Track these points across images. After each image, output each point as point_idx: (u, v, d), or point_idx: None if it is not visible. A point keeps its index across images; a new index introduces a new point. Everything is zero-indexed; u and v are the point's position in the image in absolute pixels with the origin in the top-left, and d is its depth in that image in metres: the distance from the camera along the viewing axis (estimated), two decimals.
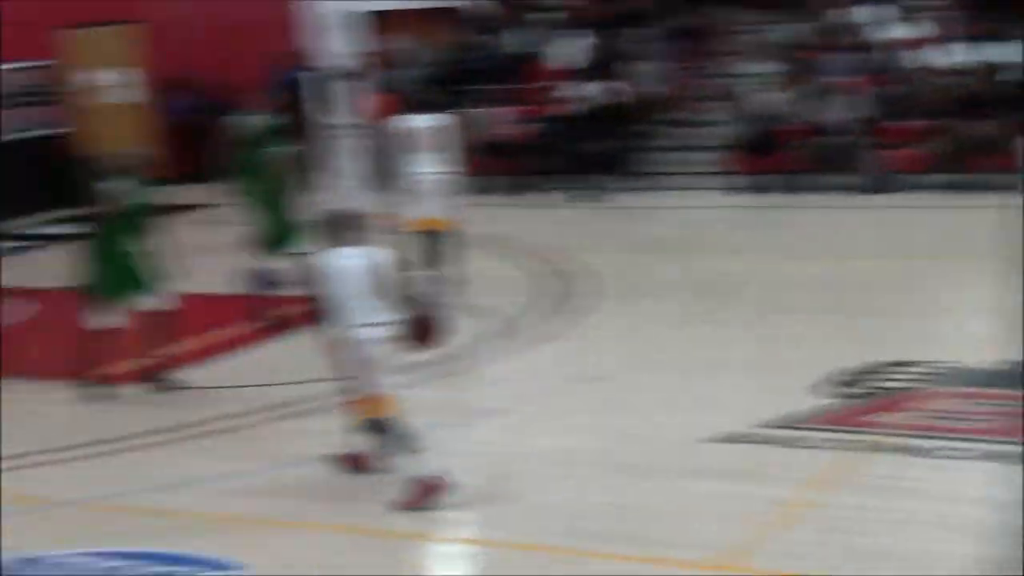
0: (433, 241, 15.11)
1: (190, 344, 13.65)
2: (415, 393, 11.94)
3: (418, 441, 9.49)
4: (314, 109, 15.58)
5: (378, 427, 9.63)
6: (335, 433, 10.13)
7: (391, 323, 9.58)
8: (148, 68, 23.82)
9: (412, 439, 9.50)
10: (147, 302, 12.34)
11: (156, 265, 12.34)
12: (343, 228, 9.72)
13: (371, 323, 9.51)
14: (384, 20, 26.17)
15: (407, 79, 23.31)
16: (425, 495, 9.38)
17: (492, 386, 12.47)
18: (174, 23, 23.85)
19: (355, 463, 10.08)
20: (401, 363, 9.48)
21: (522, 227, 19.13)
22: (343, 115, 15.62)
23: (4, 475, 10.45)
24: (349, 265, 9.54)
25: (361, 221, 9.84)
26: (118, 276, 12.13)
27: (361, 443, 9.99)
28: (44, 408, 12.18)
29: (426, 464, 9.42)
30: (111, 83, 23.36)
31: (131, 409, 12.04)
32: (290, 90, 23.25)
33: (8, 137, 21.34)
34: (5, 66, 21.23)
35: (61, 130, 22.12)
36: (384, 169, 15.27)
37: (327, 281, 9.54)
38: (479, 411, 11.57)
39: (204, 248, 16.66)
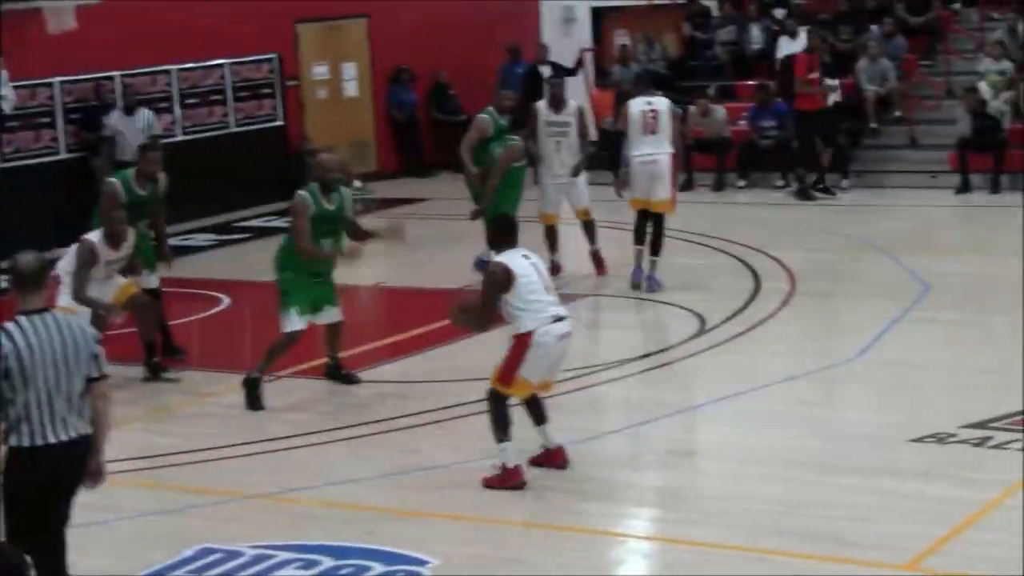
0: (648, 222, 15.27)
1: (396, 338, 13.74)
2: (618, 389, 12.02)
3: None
4: (540, 104, 15.55)
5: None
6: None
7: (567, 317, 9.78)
8: (373, 62, 24.02)
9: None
10: (329, 314, 12.17)
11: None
12: (511, 231, 9.98)
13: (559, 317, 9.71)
14: (610, 16, 26.08)
15: (630, 75, 23.13)
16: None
17: (690, 382, 12.33)
18: (398, 17, 24.01)
19: (548, 459, 10.03)
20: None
21: (740, 222, 18.86)
22: (565, 110, 15.53)
23: (202, 466, 10.58)
24: (530, 264, 9.75)
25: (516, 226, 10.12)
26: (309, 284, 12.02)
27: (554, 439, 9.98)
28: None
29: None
30: (336, 77, 23.59)
31: (312, 403, 12.06)
32: (521, 85, 23.35)
33: (234, 129, 21.69)
34: (230, 60, 21.57)
35: (285, 123, 22.39)
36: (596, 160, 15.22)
37: (513, 279, 9.63)
38: (675, 406, 11.39)
39: (416, 243, 16.80)
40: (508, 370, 9.68)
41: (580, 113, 15.65)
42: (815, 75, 20.29)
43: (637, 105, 15.31)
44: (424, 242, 18.24)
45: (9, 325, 7.32)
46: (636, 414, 11.48)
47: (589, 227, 15.88)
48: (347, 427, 11.23)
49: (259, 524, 9.35)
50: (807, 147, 20.51)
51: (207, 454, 10.77)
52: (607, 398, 11.98)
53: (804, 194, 20.33)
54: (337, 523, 9.28)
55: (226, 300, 15.92)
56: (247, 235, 19.83)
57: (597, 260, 15.90)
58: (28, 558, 5.91)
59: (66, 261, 12.33)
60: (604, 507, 9.45)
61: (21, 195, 18.60)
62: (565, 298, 10.92)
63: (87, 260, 12.12)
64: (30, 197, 18.68)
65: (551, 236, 15.77)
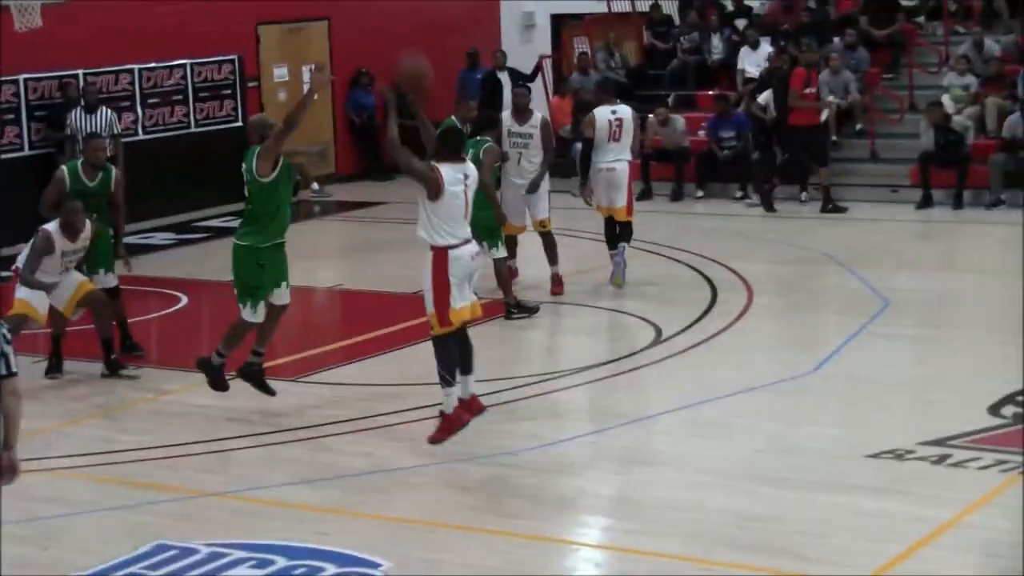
0: (614, 228, 15.58)
1: (354, 340, 13.76)
2: (575, 396, 12.05)
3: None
4: (504, 114, 15.57)
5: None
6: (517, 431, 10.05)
7: None
8: (332, 64, 24.00)
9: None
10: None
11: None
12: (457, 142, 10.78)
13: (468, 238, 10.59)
14: (569, 23, 26.13)
15: (589, 82, 23.21)
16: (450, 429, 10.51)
17: (646, 391, 12.37)
18: (358, 20, 24.03)
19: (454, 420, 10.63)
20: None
21: (697, 233, 18.92)
22: (529, 121, 15.47)
23: (159, 463, 10.57)
24: (462, 186, 10.47)
25: None
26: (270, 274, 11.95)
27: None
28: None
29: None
30: (296, 79, 23.58)
31: (268, 402, 12.03)
32: (480, 90, 23.40)
33: (194, 129, 21.65)
34: (191, 60, 21.54)
35: (243, 124, 22.37)
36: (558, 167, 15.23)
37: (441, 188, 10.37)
38: (632, 415, 11.42)
39: (372, 246, 16.85)
40: (440, 304, 10.36)
41: (544, 125, 15.56)
42: (811, 90, 20.36)
43: (603, 114, 15.53)
44: (383, 245, 18.27)
45: None
46: (592, 422, 11.54)
47: (548, 241, 15.65)
48: (304, 428, 11.25)
49: (214, 522, 9.35)
50: (795, 161, 20.57)
51: (165, 451, 10.76)
52: (564, 405, 12.01)
53: (768, 205, 20.40)
54: (290, 523, 9.29)
55: (184, 299, 15.93)
56: (206, 235, 19.82)
57: (556, 280, 15.65)
58: None
59: (23, 255, 12.37)
60: (559, 514, 9.46)
61: None
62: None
63: (42, 248, 12.25)
64: None
65: (510, 244, 15.72)
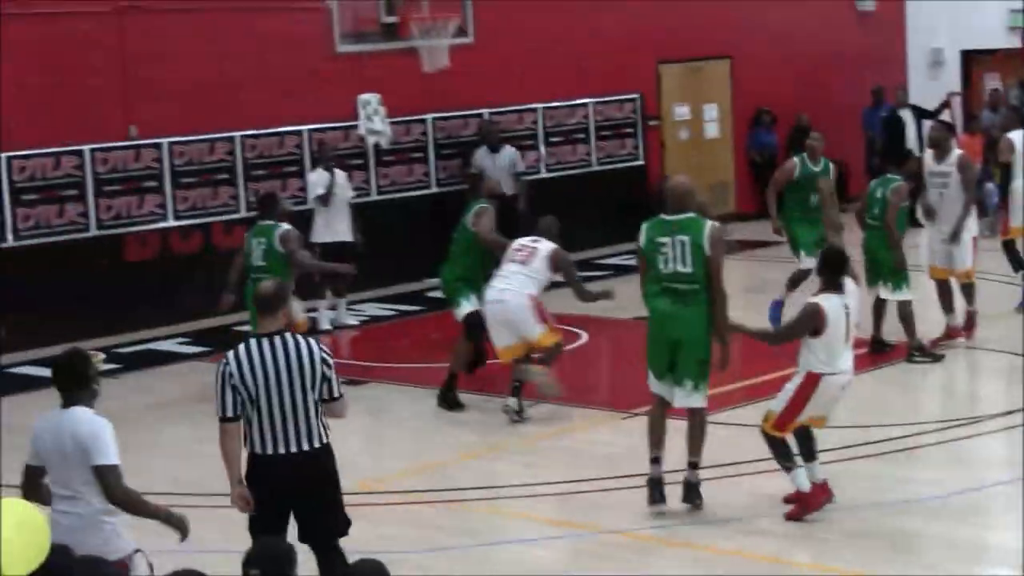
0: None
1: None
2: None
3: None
4: (926, 153, 15.05)
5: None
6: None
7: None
8: (734, 103, 23.95)
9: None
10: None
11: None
12: (839, 270, 10.09)
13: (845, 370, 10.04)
14: (980, 59, 25.37)
15: (1000, 120, 22.49)
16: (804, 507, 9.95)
17: None
18: (760, 57, 23.89)
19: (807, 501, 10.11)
20: None
21: None
22: (947, 159, 14.76)
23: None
24: (843, 309, 9.97)
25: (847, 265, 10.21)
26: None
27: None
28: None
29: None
30: (697, 117, 23.59)
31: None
32: (881, 129, 22.96)
33: (596, 167, 21.89)
34: (593, 99, 21.80)
35: (644, 162, 22.51)
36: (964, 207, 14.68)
37: (825, 324, 9.87)
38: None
39: (771, 286, 16.65)
40: (790, 413, 9.98)
41: (964, 164, 14.63)
42: None
43: (1020, 136, 15.43)
44: (770, 287, 18.07)
45: (237, 347, 7.94)
46: (996, 471, 11.07)
47: (968, 288, 14.91)
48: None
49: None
50: None
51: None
52: (969, 452, 11.58)
53: None
54: None
55: (584, 336, 16.01)
56: (609, 272, 19.90)
57: (969, 321, 14.92)
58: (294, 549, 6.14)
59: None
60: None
61: (393, 227, 19.16)
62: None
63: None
64: (401, 229, 19.26)
65: (944, 293, 14.83)
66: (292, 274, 13.45)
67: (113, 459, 7.31)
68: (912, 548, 9.49)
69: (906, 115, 23.00)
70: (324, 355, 7.89)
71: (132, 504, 7.38)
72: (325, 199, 17.20)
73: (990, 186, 21.12)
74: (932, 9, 25.82)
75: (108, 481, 7.27)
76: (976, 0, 25.07)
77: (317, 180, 17.46)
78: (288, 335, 7.90)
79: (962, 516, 9.94)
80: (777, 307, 15.22)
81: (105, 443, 7.31)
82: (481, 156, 19.57)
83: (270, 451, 7.82)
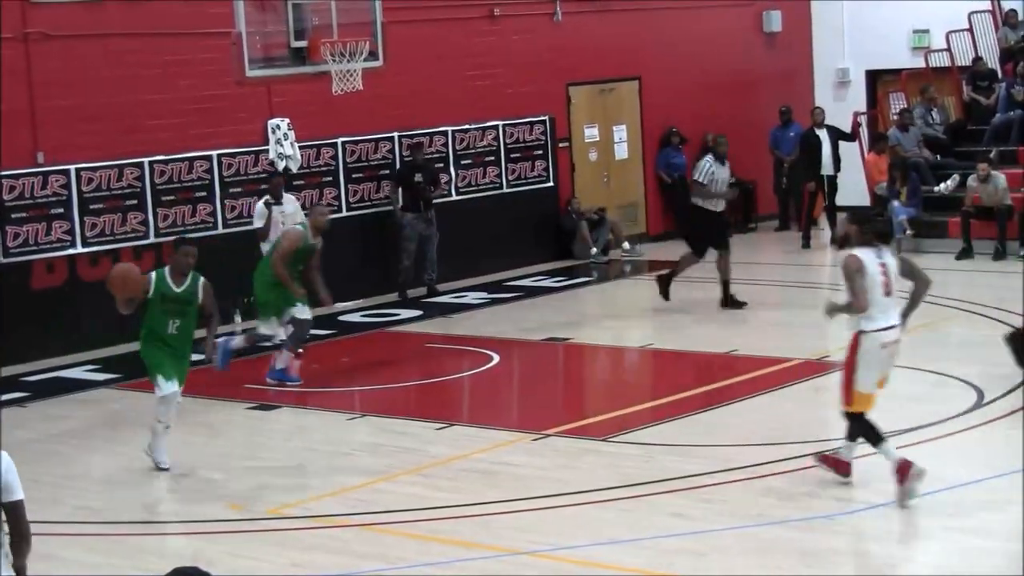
0: None
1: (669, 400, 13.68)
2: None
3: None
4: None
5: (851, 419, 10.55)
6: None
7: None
8: (643, 124, 24.11)
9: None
10: None
11: None
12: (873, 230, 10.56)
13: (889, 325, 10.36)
14: (884, 79, 25.70)
15: (908, 140, 22.83)
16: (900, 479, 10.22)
17: (968, 455, 11.93)
18: (668, 79, 24.07)
19: (834, 465, 10.67)
20: None
21: (1019, 293, 18.27)
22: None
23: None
24: (879, 264, 10.36)
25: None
26: None
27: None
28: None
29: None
30: (607, 139, 23.71)
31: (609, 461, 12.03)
32: (793, 148, 23.21)
33: (507, 189, 21.93)
34: (503, 121, 21.87)
35: (554, 184, 22.58)
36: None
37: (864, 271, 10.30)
38: (953, 480, 11.03)
39: (681, 307, 16.78)
40: (847, 381, 10.38)
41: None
42: None
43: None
44: (691, 306, 18.16)
45: None
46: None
47: None
48: (615, 488, 11.19)
49: None
50: None
51: (477, 508, 10.85)
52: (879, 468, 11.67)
53: None
54: None
55: (496, 357, 16.03)
56: (518, 294, 19.91)
57: None
58: None
59: None
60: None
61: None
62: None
63: None
64: None
65: None
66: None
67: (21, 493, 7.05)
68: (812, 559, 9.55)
69: (822, 134, 23.26)
70: None
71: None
72: (262, 233, 17.27)
73: (895, 203, 21.40)
74: (837, 30, 26.17)
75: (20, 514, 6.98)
76: (880, 21, 25.46)
77: (257, 212, 17.64)
78: None
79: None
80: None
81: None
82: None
83: None
